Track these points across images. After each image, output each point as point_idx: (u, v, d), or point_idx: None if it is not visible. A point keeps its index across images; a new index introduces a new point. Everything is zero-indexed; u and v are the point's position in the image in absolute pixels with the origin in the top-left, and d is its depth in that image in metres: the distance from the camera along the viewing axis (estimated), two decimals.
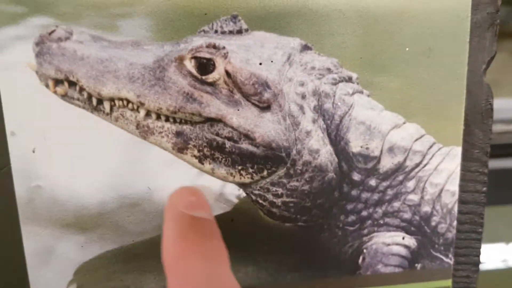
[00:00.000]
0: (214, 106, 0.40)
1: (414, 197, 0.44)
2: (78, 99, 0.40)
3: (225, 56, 0.40)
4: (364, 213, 0.45)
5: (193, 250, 0.35)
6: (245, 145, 0.41)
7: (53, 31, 0.39)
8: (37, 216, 0.41)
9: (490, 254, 1.06)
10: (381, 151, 0.43)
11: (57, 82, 0.39)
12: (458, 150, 0.44)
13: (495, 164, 0.97)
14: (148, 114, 0.40)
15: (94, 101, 0.40)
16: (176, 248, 0.35)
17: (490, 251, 1.07)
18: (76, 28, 0.39)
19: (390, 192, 0.44)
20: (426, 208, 0.45)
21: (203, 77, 0.40)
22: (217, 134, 0.41)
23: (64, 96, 0.40)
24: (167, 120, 0.40)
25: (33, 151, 0.40)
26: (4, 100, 0.39)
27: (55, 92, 0.39)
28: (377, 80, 0.42)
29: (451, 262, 0.46)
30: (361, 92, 0.43)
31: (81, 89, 0.39)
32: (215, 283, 0.34)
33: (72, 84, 0.39)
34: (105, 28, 0.39)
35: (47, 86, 0.39)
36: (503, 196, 1.01)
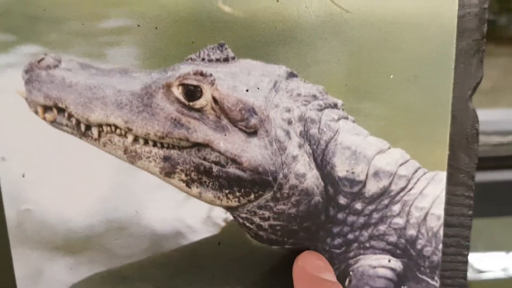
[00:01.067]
0: (201, 132, 0.41)
1: (399, 221, 0.45)
2: (66, 125, 0.40)
3: (212, 83, 0.41)
4: (350, 236, 0.45)
5: None
6: (232, 169, 0.42)
7: (42, 59, 0.40)
8: (26, 239, 0.42)
9: (491, 263, 1.07)
10: (367, 175, 0.44)
11: (46, 108, 0.40)
12: (442, 175, 0.44)
13: (492, 176, 0.97)
14: (136, 139, 0.41)
15: (83, 127, 0.40)
16: None
17: (491, 260, 1.07)
18: (65, 56, 0.40)
19: (375, 215, 0.45)
20: (412, 232, 0.45)
21: (191, 104, 0.41)
22: (205, 159, 0.41)
23: (53, 122, 0.40)
24: (154, 145, 0.41)
25: (23, 176, 0.41)
26: None
27: (44, 118, 0.40)
28: (362, 106, 0.43)
29: (437, 284, 0.46)
30: (346, 118, 0.43)
31: (70, 116, 0.40)
32: None
33: (61, 110, 0.40)
34: (93, 56, 0.40)
35: (36, 112, 0.40)
36: (502, 207, 1.01)
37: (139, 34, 0.40)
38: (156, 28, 0.40)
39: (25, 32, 0.39)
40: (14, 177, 0.41)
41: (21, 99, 0.40)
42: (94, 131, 0.41)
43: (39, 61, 0.40)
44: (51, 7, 0.39)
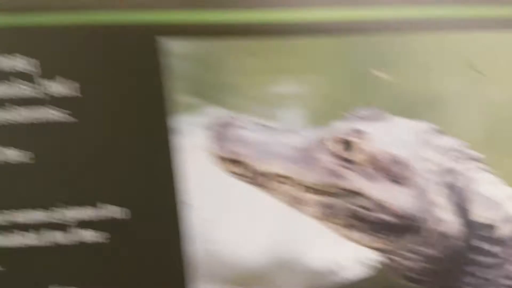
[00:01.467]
0: (355, 181, 0.47)
1: None
2: (244, 175, 0.47)
3: (364, 138, 0.47)
4: (484, 275, 0.49)
5: None
6: (381, 215, 0.47)
7: (224, 119, 0.46)
8: (210, 276, 0.48)
9: None
10: (501, 221, 0.48)
11: (228, 161, 0.46)
12: None
13: None
14: (299, 188, 0.47)
15: (257, 177, 0.47)
16: None
17: None
18: (243, 116, 0.47)
19: (507, 257, 0.49)
20: None
21: (346, 156, 0.47)
22: (357, 205, 0.47)
23: (232, 173, 0.47)
24: (315, 193, 0.47)
25: (207, 220, 0.47)
26: (184, 175, 0.46)
27: (225, 169, 0.47)
28: (500, 160, 0.48)
29: None
30: (485, 170, 0.48)
31: (247, 167, 0.46)
32: None
33: (239, 163, 0.46)
34: (266, 116, 0.47)
35: (219, 164, 0.46)
36: None
37: (303, 97, 0.46)
38: (317, 91, 0.46)
39: (209, 96, 0.46)
40: (202, 221, 0.47)
41: (206, 153, 0.46)
42: (267, 181, 0.47)
43: (221, 121, 0.46)
44: (231, 75, 0.46)
